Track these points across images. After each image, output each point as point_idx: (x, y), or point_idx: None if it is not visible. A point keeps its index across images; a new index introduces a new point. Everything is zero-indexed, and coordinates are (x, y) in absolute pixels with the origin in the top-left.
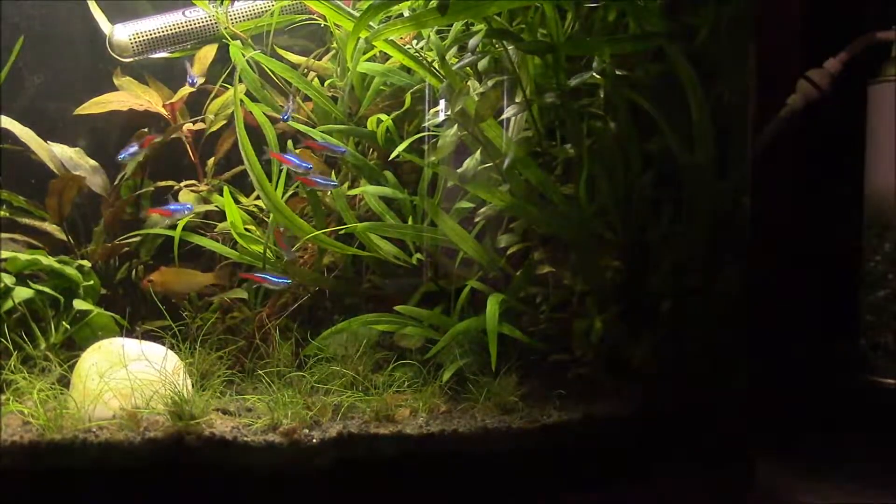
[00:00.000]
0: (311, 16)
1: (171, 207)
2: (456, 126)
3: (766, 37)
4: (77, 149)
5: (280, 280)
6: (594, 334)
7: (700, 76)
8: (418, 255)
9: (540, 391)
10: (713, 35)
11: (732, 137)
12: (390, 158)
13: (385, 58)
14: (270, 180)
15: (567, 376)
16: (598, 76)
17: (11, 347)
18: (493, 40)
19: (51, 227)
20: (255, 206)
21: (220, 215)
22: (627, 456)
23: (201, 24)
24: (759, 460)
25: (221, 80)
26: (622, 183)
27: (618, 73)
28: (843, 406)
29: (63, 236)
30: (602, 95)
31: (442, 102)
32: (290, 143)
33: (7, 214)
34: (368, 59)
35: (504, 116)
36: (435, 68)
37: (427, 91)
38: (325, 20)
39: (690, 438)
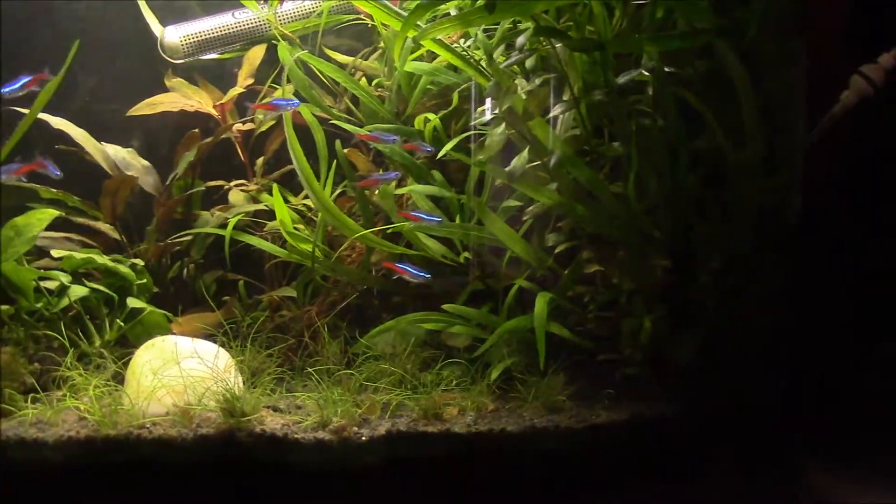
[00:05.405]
0: (359, 15)
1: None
2: (503, 124)
3: (817, 32)
4: (130, 149)
5: (418, 273)
6: (643, 334)
7: (750, 72)
8: (466, 254)
9: (588, 390)
10: (763, 31)
11: (783, 134)
12: (438, 157)
13: (432, 57)
14: (319, 179)
15: (615, 376)
16: (646, 73)
17: (68, 344)
18: (541, 38)
19: (104, 227)
20: (304, 205)
21: (270, 214)
22: (675, 456)
23: (250, 25)
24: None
25: (270, 80)
26: (670, 181)
27: (666, 70)
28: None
29: (116, 235)
30: (650, 93)
31: (489, 101)
32: (338, 143)
33: (62, 214)
34: (415, 59)
35: (551, 114)
36: (482, 67)
37: (473, 89)
38: (373, 20)
39: (739, 439)
